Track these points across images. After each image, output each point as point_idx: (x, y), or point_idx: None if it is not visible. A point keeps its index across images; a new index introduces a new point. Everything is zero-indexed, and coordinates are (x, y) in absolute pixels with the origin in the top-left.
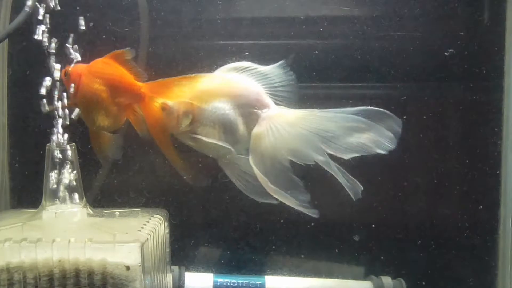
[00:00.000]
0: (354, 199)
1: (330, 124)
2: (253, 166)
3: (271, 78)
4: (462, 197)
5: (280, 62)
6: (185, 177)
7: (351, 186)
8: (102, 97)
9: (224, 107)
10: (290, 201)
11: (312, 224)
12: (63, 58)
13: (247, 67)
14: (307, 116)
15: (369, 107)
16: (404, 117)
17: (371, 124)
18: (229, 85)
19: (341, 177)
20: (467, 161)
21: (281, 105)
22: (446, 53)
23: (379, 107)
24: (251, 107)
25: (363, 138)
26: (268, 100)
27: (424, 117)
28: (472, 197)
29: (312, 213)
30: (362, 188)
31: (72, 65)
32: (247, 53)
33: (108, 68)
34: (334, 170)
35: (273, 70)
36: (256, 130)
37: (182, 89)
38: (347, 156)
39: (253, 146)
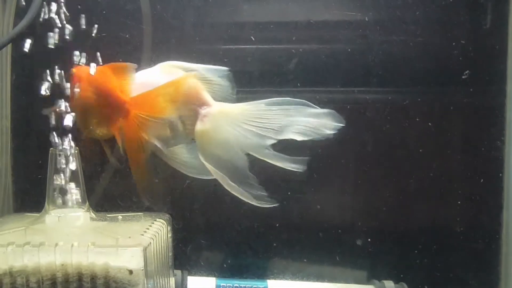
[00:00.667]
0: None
1: (270, 113)
2: (206, 163)
3: (209, 79)
4: (465, 201)
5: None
6: (142, 199)
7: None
8: (93, 105)
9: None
10: (246, 197)
11: (315, 228)
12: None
13: (187, 67)
14: (247, 109)
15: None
16: (407, 122)
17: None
18: (164, 81)
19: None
20: (470, 165)
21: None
22: (463, 76)
23: (382, 112)
24: (191, 104)
25: (305, 122)
26: (207, 97)
27: (427, 121)
28: (475, 201)
29: (271, 203)
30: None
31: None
32: (250, 58)
33: (103, 77)
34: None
35: (212, 71)
36: (198, 127)
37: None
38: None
39: (199, 144)
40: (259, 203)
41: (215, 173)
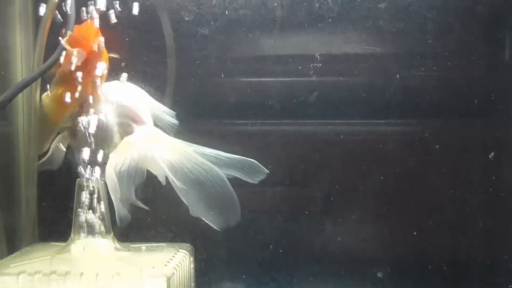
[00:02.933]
0: None
1: (188, 162)
2: (109, 166)
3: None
4: (485, 234)
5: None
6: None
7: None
8: None
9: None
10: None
11: (336, 260)
12: None
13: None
14: (174, 147)
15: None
16: (427, 154)
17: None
18: (116, 90)
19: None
20: (490, 197)
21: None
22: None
23: (402, 144)
24: (129, 119)
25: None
26: (147, 118)
27: (446, 153)
28: (496, 234)
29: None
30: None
31: None
32: (271, 91)
33: None
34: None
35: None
36: (127, 138)
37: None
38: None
39: (118, 150)
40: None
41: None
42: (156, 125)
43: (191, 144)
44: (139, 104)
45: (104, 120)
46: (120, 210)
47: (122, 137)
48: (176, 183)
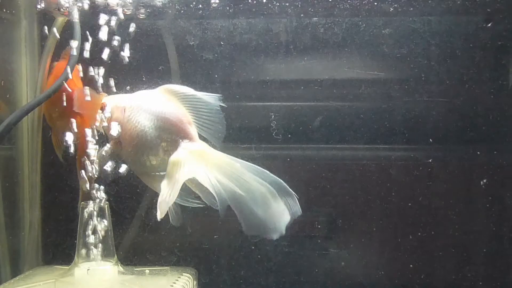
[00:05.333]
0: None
1: (239, 178)
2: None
3: (201, 108)
4: (490, 260)
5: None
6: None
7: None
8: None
9: (145, 125)
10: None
11: (340, 285)
12: None
13: (184, 92)
14: (222, 162)
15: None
16: (431, 179)
17: (276, 197)
18: (158, 105)
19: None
20: (494, 223)
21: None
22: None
23: (406, 169)
24: (174, 134)
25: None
26: (193, 132)
27: (450, 179)
28: (501, 259)
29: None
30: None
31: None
32: (275, 115)
33: None
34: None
35: (207, 101)
36: (172, 157)
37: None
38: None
39: (168, 173)
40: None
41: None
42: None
43: (236, 159)
44: (182, 116)
45: (147, 133)
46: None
47: (167, 152)
48: (225, 201)
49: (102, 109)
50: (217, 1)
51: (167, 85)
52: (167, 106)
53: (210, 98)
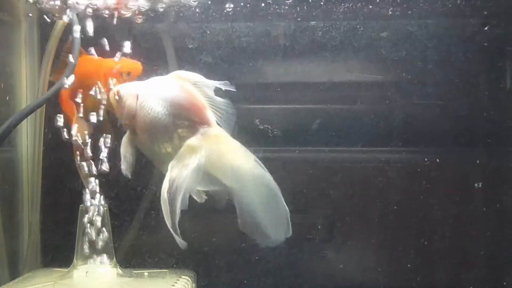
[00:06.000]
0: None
1: (251, 171)
2: (169, 170)
3: (211, 96)
4: (488, 263)
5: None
6: None
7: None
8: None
9: (159, 111)
10: (167, 218)
11: (338, 286)
12: None
13: (198, 80)
14: (239, 150)
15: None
16: (428, 182)
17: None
18: (171, 91)
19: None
20: (492, 226)
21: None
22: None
23: (404, 172)
24: (189, 120)
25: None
26: (211, 117)
27: (448, 181)
28: (499, 262)
29: (180, 243)
30: None
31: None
32: (274, 118)
33: None
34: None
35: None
36: (189, 141)
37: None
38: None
39: (180, 155)
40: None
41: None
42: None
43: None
44: (196, 101)
45: (161, 119)
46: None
47: (182, 139)
48: (235, 192)
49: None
50: (232, 6)
51: (178, 71)
52: (180, 91)
53: (220, 85)
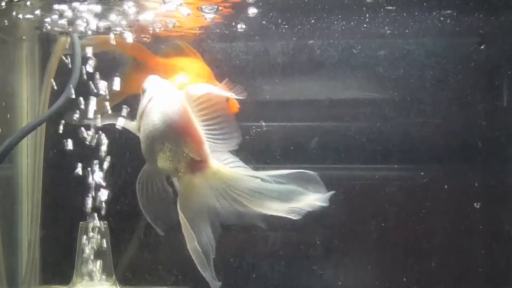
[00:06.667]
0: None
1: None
2: (180, 214)
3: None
4: (487, 280)
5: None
6: None
7: None
8: None
9: (154, 125)
10: (203, 268)
11: None
12: None
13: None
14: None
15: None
16: (427, 199)
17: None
18: (173, 109)
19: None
20: (491, 243)
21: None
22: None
23: (401, 189)
24: (180, 147)
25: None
26: (206, 152)
27: (446, 198)
28: (498, 279)
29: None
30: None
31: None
32: (273, 135)
33: None
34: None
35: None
36: (188, 179)
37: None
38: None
39: (181, 195)
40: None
41: (185, 229)
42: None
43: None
44: (193, 132)
45: (152, 132)
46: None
47: (172, 162)
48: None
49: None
50: (244, 27)
51: (189, 87)
52: (180, 113)
53: (232, 95)
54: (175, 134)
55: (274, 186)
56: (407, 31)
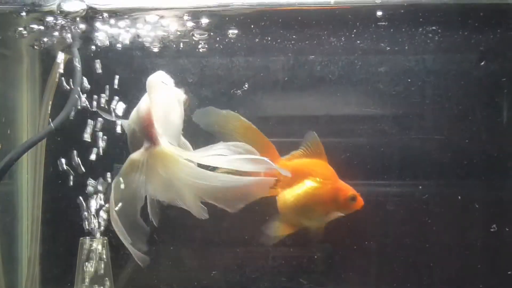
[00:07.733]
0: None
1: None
2: (112, 189)
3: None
4: None
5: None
6: None
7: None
8: None
9: (133, 115)
10: (124, 239)
11: None
12: None
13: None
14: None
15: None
16: (427, 215)
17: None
18: (141, 102)
19: None
20: (491, 259)
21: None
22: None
23: (402, 205)
24: (142, 134)
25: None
26: (156, 135)
27: (446, 214)
28: None
29: (140, 260)
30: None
31: None
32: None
33: None
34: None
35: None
36: (133, 156)
37: None
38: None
39: (121, 173)
40: (133, 253)
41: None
42: None
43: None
44: (150, 117)
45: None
46: (135, 253)
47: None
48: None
49: None
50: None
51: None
52: (143, 104)
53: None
54: (140, 123)
55: (213, 175)
56: (407, 47)
